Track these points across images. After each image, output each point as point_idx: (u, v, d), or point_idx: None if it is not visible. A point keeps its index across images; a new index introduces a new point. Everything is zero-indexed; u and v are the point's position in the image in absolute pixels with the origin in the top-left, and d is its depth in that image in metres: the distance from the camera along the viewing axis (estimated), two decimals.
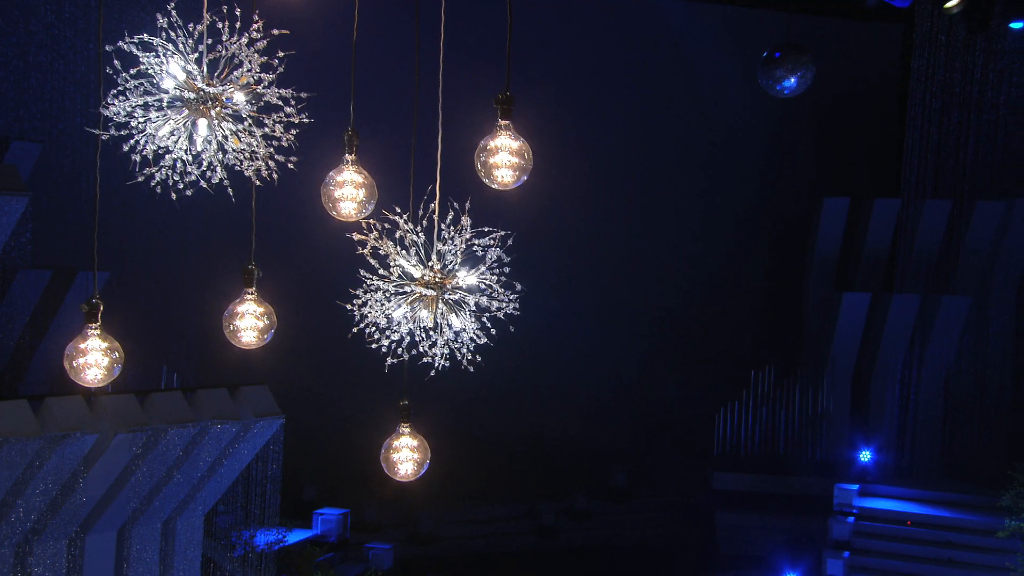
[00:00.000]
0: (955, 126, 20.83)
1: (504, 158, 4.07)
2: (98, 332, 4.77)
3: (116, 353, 4.79)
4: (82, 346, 4.71)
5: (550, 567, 19.30)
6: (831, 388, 21.18)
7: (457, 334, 4.62)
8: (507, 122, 4.06)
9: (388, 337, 4.62)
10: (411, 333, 4.60)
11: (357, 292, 4.51)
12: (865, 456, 19.43)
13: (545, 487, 21.90)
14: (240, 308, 4.97)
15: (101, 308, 4.80)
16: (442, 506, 20.53)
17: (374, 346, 4.67)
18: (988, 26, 12.97)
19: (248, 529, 11.48)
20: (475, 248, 4.37)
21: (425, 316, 4.51)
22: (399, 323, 4.55)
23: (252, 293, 4.98)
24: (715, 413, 21.59)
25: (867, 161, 23.03)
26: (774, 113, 22.68)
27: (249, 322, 4.96)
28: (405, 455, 5.46)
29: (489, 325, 4.68)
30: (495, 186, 4.16)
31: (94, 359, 4.71)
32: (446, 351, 4.68)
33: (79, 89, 16.55)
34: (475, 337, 4.64)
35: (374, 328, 4.59)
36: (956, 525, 17.41)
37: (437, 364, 4.70)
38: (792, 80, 13.22)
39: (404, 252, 4.42)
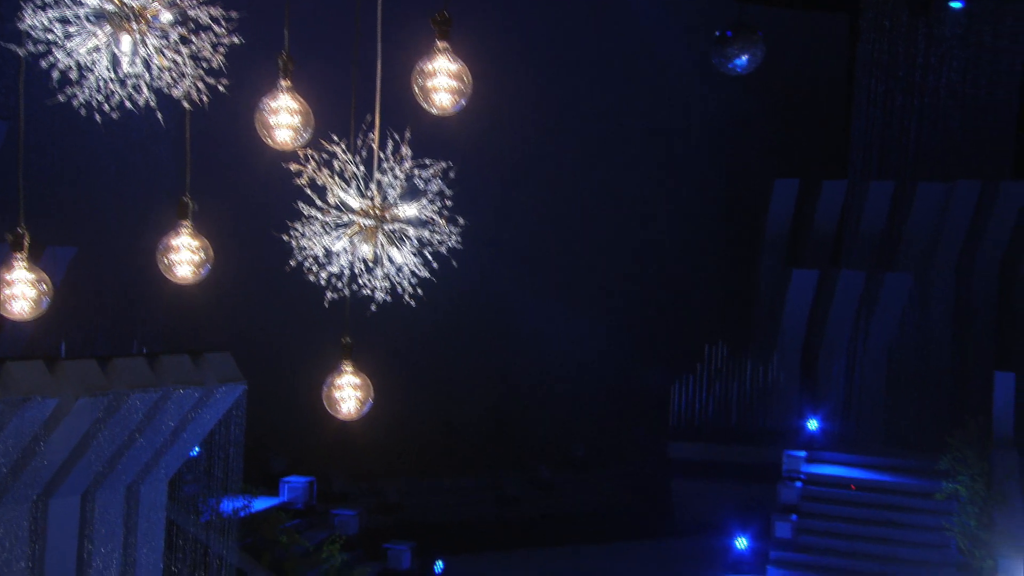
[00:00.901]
0: (899, 110, 20.92)
1: (442, 81, 3.88)
2: (24, 263, 4.50)
3: (44, 285, 4.53)
4: (8, 277, 4.44)
5: (512, 534, 19.20)
6: (781, 361, 21.24)
7: (399, 269, 4.42)
8: (445, 44, 3.87)
9: (327, 270, 4.41)
10: (351, 266, 4.39)
11: (295, 225, 4.30)
12: (813, 425, 19.50)
13: (507, 459, 21.82)
14: (175, 242, 4.73)
15: (27, 239, 4.54)
16: (408, 477, 20.39)
17: (312, 278, 4.47)
18: (930, 7, 12.94)
19: (214, 495, 11.21)
20: (417, 180, 4.18)
21: (365, 249, 4.31)
22: (338, 255, 4.34)
23: (187, 226, 4.74)
24: (670, 386, 21.60)
25: (817, 143, 23.05)
26: (728, 96, 22.64)
27: (184, 256, 4.72)
28: (348, 393, 5.25)
29: (431, 259, 4.49)
30: (433, 110, 3.97)
31: (20, 291, 4.44)
32: (387, 284, 4.48)
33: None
34: (416, 270, 4.45)
35: (313, 261, 4.38)
36: (897, 489, 17.52)
37: (378, 298, 4.50)
38: (743, 58, 13.16)
39: (343, 183, 4.22)
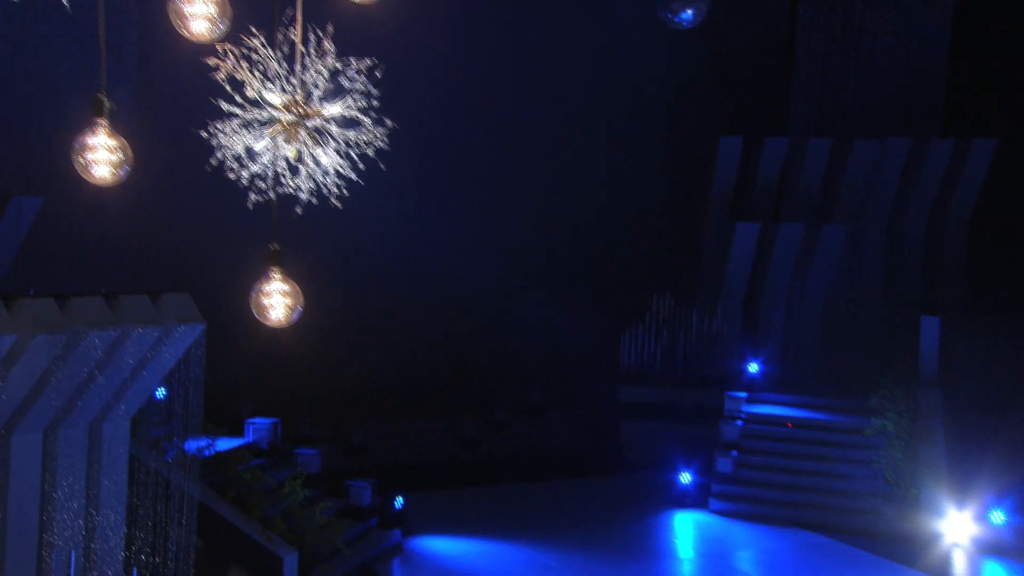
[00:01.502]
0: (837, 69, 20.92)
1: None
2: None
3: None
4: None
5: (470, 473, 19.27)
6: (724, 310, 21.38)
7: (325, 172, 4.24)
8: None
9: (247, 168, 4.22)
10: (273, 165, 4.21)
11: (215, 123, 4.09)
12: (753, 369, 19.70)
13: (466, 403, 21.84)
14: (92, 140, 4.48)
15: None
16: (371, 421, 20.34)
17: (233, 177, 4.28)
18: None
19: (177, 434, 11.05)
20: (342, 78, 3.98)
21: (288, 148, 4.12)
22: (260, 155, 4.15)
23: (103, 124, 4.49)
24: (620, 334, 21.69)
25: (761, 101, 23.00)
26: (676, 55, 22.51)
27: (102, 155, 4.48)
28: (276, 300, 5.09)
29: (358, 160, 4.32)
30: None
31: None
32: (312, 185, 4.31)
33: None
34: (340, 169, 4.27)
35: (234, 160, 4.19)
36: (830, 426, 17.79)
37: (304, 199, 4.34)
38: (689, 12, 12.98)
39: (263, 78, 4.03)
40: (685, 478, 17.32)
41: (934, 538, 15.28)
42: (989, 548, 14.99)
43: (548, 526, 15.69)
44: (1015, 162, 20.54)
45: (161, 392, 11.31)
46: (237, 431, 14.76)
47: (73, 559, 8.70)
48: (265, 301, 5.19)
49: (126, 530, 9.60)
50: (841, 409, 18.18)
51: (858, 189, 21.32)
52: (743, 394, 18.74)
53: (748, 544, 15.42)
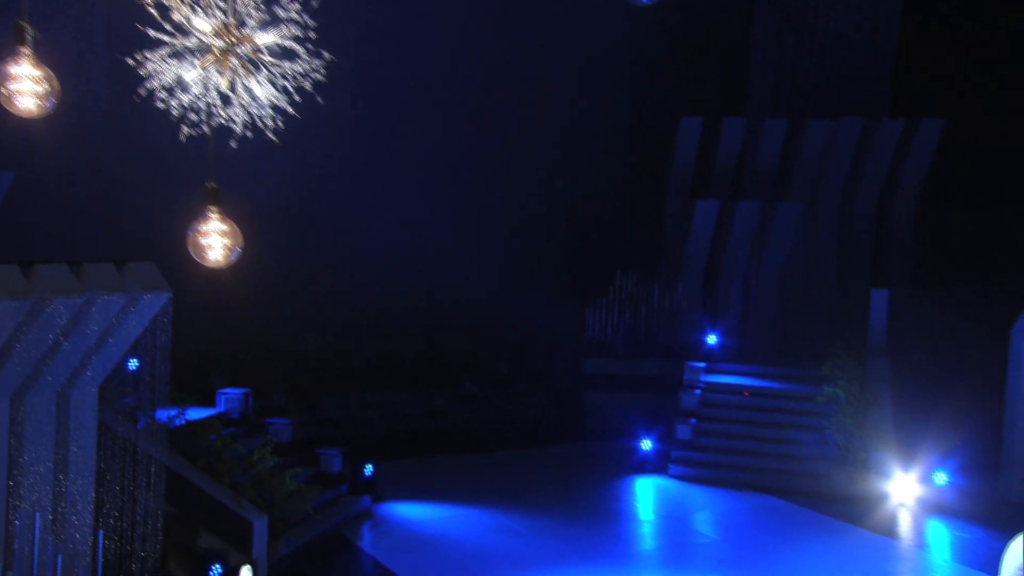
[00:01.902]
0: (792, 50, 20.93)
1: None
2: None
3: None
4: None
5: (440, 443, 19.21)
6: (685, 285, 21.43)
7: (260, 105, 4.08)
8: None
9: (177, 98, 4.06)
10: (204, 95, 4.04)
11: (144, 51, 3.91)
12: (711, 340, 19.78)
13: (437, 377, 21.78)
14: (15, 70, 4.27)
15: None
16: (343, 393, 20.22)
17: (162, 106, 4.12)
18: None
19: (148, 404, 10.86)
20: (275, 7, 3.80)
21: (219, 78, 3.96)
22: (192, 85, 3.98)
23: (27, 53, 4.26)
24: (585, 310, 21.69)
25: (720, 81, 22.99)
26: (638, 35, 22.43)
27: (27, 86, 4.27)
28: (214, 240, 4.95)
29: (293, 91, 4.16)
30: None
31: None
32: (247, 118, 4.15)
33: None
34: (274, 99, 4.11)
35: (164, 90, 4.02)
36: (784, 394, 17.91)
37: (238, 132, 4.18)
38: None
39: (193, 4, 3.86)
40: (646, 445, 17.38)
41: (881, 499, 15.47)
42: (933, 508, 15.20)
43: (514, 492, 15.68)
44: (962, 141, 20.71)
45: (133, 364, 11.10)
46: (209, 402, 14.56)
47: (38, 521, 8.52)
48: (203, 241, 5.03)
49: (94, 495, 9.42)
50: (795, 378, 18.32)
51: (812, 168, 21.41)
52: (702, 364, 18.82)
53: (706, 506, 15.51)
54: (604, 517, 14.78)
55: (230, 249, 5.06)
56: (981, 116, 20.48)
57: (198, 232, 5.03)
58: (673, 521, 14.97)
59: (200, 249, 5.02)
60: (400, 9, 21.20)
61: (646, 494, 16.26)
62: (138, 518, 9.44)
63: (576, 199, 23.62)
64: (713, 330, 20.06)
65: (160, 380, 9.63)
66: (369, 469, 14.75)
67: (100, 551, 8.85)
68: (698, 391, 18.17)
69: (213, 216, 5.01)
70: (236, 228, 5.04)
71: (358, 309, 22.13)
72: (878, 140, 21.08)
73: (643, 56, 23.19)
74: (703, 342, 19.85)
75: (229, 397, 14.45)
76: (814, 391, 17.34)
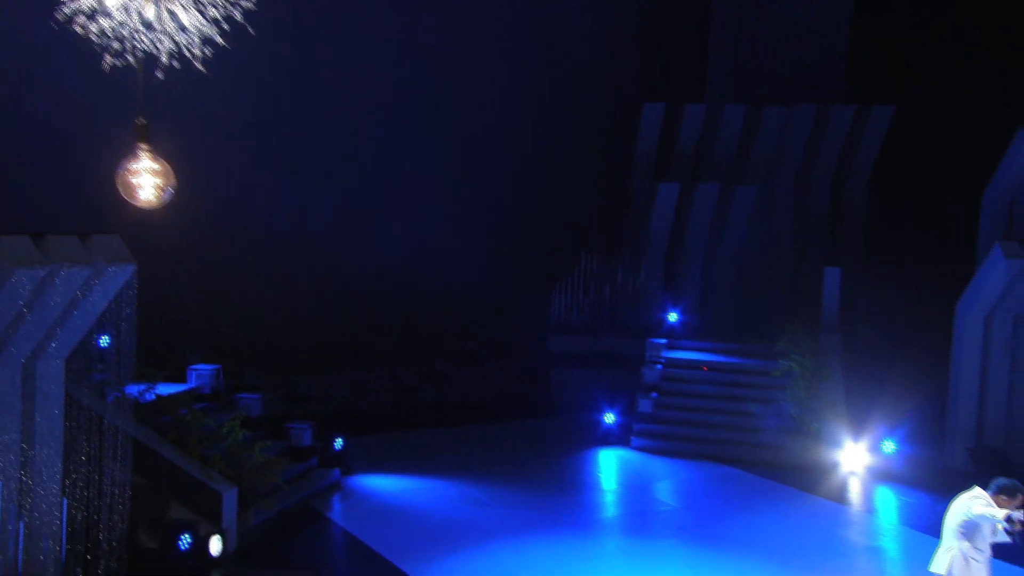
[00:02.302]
0: (750, 37, 20.92)
1: None
2: None
3: None
4: None
5: (410, 419, 19.08)
6: (647, 264, 21.43)
7: (188, 34, 3.89)
8: None
9: (97, 23, 3.85)
10: (126, 24, 3.86)
11: None
12: (672, 318, 19.78)
13: (408, 355, 21.65)
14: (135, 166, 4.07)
15: None
16: (315, 371, 20.01)
17: (80, 31, 3.90)
18: None
19: (116, 376, 10.60)
20: None
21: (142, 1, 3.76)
22: (112, 10, 3.77)
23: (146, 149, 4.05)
24: (552, 289, 21.64)
25: (683, 69, 22.92)
26: (604, 23, 22.33)
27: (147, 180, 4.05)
28: (145, 180, 4.73)
29: (222, 20, 3.97)
30: None
31: None
32: (173, 48, 3.97)
33: None
34: (199, 25, 3.92)
35: (83, 15, 3.80)
36: (742, 368, 17.98)
37: (164, 61, 3.99)
38: None
39: None
40: (609, 418, 17.36)
41: (833, 467, 15.59)
42: (881, 475, 15.35)
43: (481, 465, 15.60)
44: (912, 127, 20.86)
45: (105, 341, 10.83)
46: (180, 378, 14.27)
47: (1, 489, 8.27)
48: (133, 180, 4.81)
49: (61, 465, 9.18)
50: (752, 354, 18.38)
51: (769, 152, 21.46)
52: (663, 341, 18.82)
53: (666, 476, 15.53)
54: (568, 487, 14.74)
55: (162, 189, 4.83)
56: (930, 102, 20.62)
57: (127, 170, 4.79)
58: (635, 490, 14.97)
59: (130, 188, 4.80)
60: None
61: (609, 465, 16.25)
62: (105, 488, 9.21)
63: (543, 183, 23.51)
64: (674, 308, 20.07)
65: (126, 352, 9.38)
66: (339, 443, 14.57)
67: (64, 519, 8.62)
68: (659, 366, 18.18)
69: (143, 154, 4.78)
70: (168, 167, 4.83)
71: (330, 290, 21.92)
72: (831, 126, 21.17)
73: (608, 43, 23.07)
74: (664, 320, 19.86)
75: (200, 373, 14.19)
76: (770, 366, 17.41)
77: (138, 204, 4.82)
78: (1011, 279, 14.97)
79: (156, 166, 4.77)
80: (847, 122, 21.07)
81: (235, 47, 3.71)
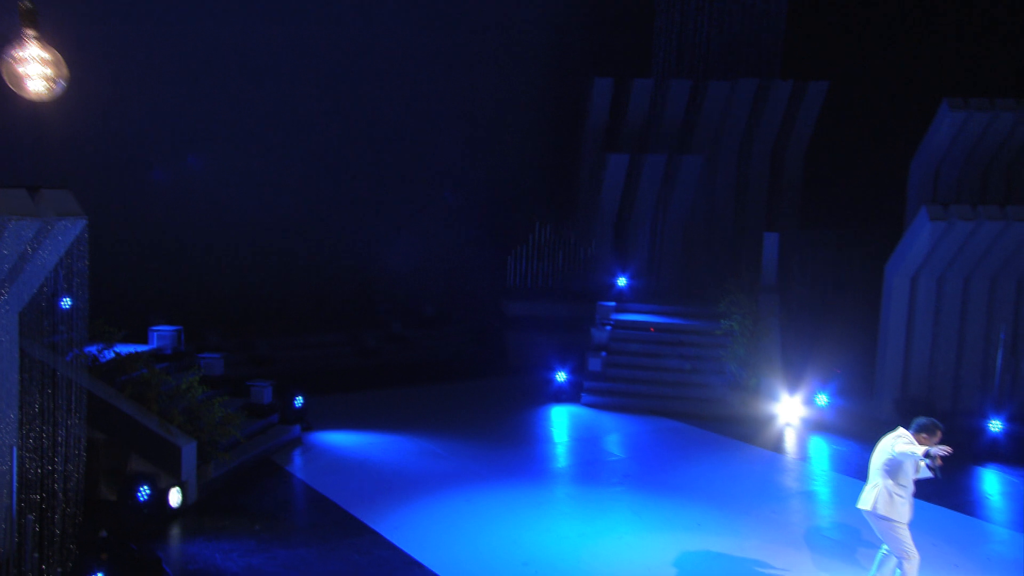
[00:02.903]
0: (693, 12, 20.80)
1: None
2: None
3: None
4: None
5: (369, 379, 18.83)
6: (598, 231, 21.34)
7: None
8: None
9: None
10: None
11: None
12: (621, 282, 19.75)
13: (368, 319, 21.38)
14: (22, 54, 3.65)
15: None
16: (277, 334, 19.63)
17: None
18: None
19: (74, 333, 10.17)
20: None
21: None
22: None
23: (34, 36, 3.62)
24: (507, 256, 21.47)
25: (632, 44, 22.76)
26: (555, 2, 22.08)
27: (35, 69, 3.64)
28: (34, 69, 4.29)
29: None
30: None
31: None
32: None
33: None
34: None
35: None
36: (685, 329, 18.01)
37: None
38: None
39: None
40: (560, 377, 17.30)
41: (770, 419, 15.73)
42: (815, 426, 15.53)
43: (438, 421, 15.43)
44: (846, 100, 20.96)
45: (67, 303, 10.38)
46: (142, 339, 13.85)
47: None
48: (20, 69, 4.35)
49: (15, 417, 8.79)
50: (696, 315, 18.44)
51: (713, 124, 21.44)
52: (612, 304, 18.79)
53: (614, 430, 15.52)
54: (521, 441, 14.65)
55: (53, 81, 4.39)
56: (863, 76, 20.74)
57: (12, 58, 4.31)
58: (584, 443, 14.93)
59: (16, 79, 4.33)
60: None
61: (560, 420, 16.20)
62: (59, 439, 8.85)
63: (499, 155, 23.29)
64: (623, 273, 20.04)
65: (80, 307, 8.98)
66: (299, 401, 14.28)
67: (15, 466, 8.26)
68: (608, 328, 18.14)
69: (31, 41, 4.31)
70: (60, 57, 4.38)
71: (293, 258, 21.55)
72: (770, 99, 21.19)
73: (559, 20, 22.80)
74: (614, 284, 19.82)
75: (162, 334, 13.76)
76: (712, 326, 17.48)
77: (26, 96, 4.36)
78: (935, 241, 15.13)
79: (46, 55, 4.27)
80: (785, 97, 21.11)
81: None
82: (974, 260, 15.30)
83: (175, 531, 10.32)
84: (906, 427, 8.48)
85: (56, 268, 8.95)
